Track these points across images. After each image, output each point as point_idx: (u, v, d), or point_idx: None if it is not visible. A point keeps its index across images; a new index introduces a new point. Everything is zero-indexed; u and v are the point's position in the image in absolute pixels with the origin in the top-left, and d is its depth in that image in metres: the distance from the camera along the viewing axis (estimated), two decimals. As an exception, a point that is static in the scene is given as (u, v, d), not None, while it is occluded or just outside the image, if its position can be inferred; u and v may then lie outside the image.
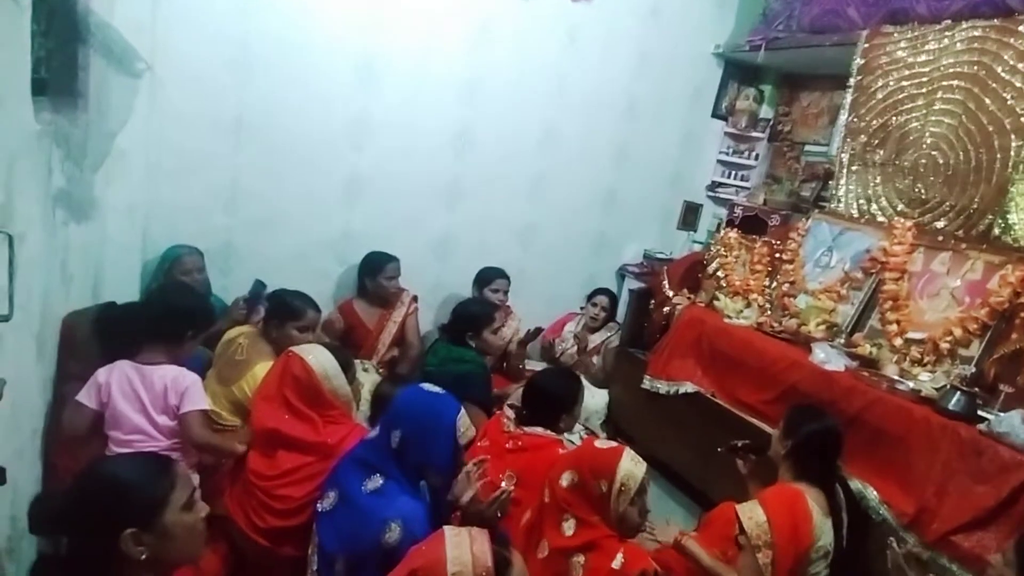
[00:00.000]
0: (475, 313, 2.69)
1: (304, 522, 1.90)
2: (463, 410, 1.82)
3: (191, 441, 2.00)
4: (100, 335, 2.04)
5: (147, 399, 1.94)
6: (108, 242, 2.40)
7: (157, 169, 2.66)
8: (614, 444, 1.82)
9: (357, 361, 2.79)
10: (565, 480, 1.71)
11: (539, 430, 2.14)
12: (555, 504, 1.71)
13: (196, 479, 1.87)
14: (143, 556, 1.11)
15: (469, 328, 2.62)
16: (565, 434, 3.15)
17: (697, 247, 4.00)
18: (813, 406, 2.14)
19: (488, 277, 3.36)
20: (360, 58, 3.03)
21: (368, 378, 2.65)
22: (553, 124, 3.57)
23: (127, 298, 2.47)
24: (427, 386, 1.88)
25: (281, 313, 2.40)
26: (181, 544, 1.18)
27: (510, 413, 2.21)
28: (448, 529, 1.38)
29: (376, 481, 1.71)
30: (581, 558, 1.61)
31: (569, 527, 1.66)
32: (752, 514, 1.87)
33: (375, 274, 3.07)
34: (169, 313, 2.07)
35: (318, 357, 2.01)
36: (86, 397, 1.92)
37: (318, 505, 1.81)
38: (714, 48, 3.88)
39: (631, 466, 1.67)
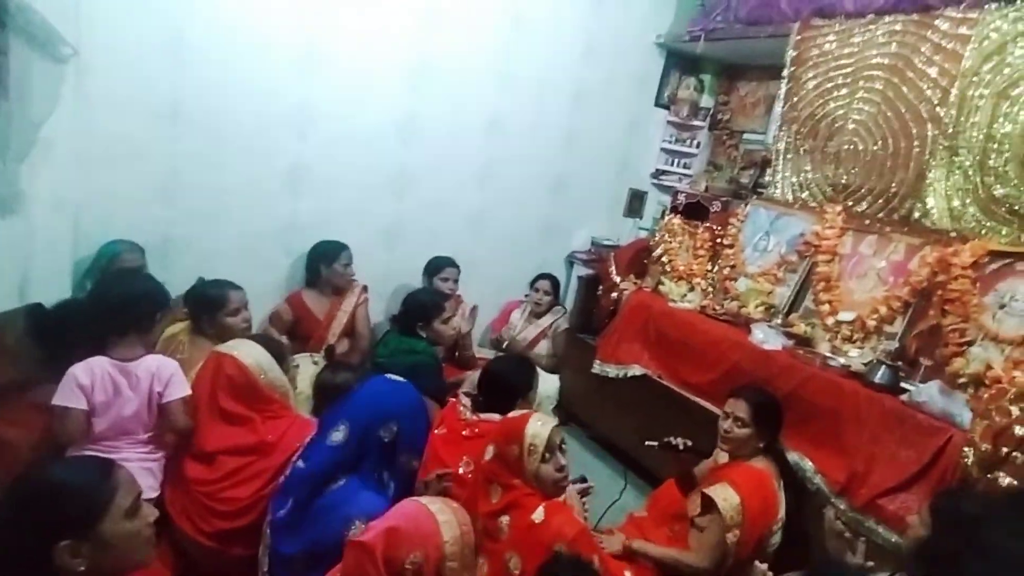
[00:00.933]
0: (425, 303, 2.69)
1: (252, 521, 1.87)
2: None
3: (175, 428, 1.94)
4: (42, 336, 1.94)
5: (135, 396, 1.86)
6: (35, 238, 2.27)
7: (87, 159, 2.52)
8: (524, 412, 1.88)
9: (307, 354, 2.78)
10: (488, 453, 1.78)
11: (495, 417, 2.17)
12: (483, 477, 1.79)
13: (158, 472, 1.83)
14: (81, 568, 1.04)
15: (419, 318, 2.62)
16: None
17: (643, 233, 4.10)
18: (762, 389, 2.24)
19: (437, 266, 3.36)
20: (302, 43, 2.95)
21: (316, 371, 2.61)
22: (500, 111, 3.58)
23: (57, 296, 2.36)
24: (392, 377, 1.89)
25: (205, 308, 2.33)
26: (123, 554, 1.11)
27: (466, 401, 2.23)
28: (427, 500, 1.47)
29: (339, 482, 1.71)
30: (506, 518, 1.68)
31: (495, 494, 1.73)
32: (726, 495, 1.96)
33: (330, 262, 3.03)
34: (133, 301, 1.98)
35: (250, 352, 1.98)
36: (71, 399, 1.79)
37: (273, 513, 1.79)
38: (656, 38, 3.96)
39: (537, 427, 1.74)
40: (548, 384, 3.42)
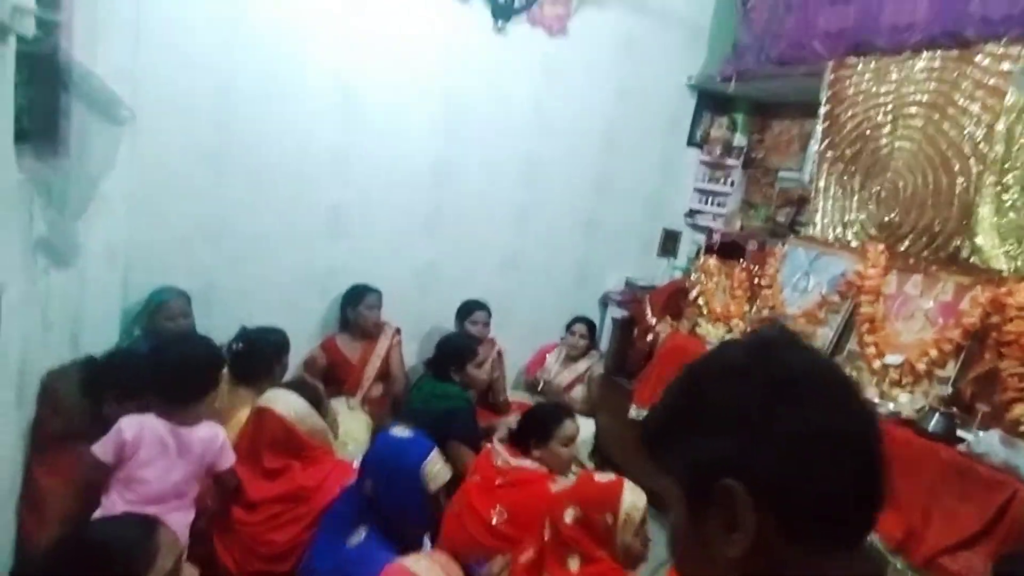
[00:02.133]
0: (458, 347, 2.69)
1: (290, 568, 1.88)
2: (434, 454, 1.81)
3: (224, 491, 1.98)
4: (93, 388, 1.99)
5: (185, 463, 1.87)
6: (87, 288, 2.36)
7: (137, 209, 2.65)
8: (613, 476, 1.82)
9: (342, 398, 2.79)
10: (569, 516, 1.70)
11: (528, 463, 2.14)
12: (559, 542, 1.70)
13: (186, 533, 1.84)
14: None
15: (452, 363, 2.63)
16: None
17: (678, 274, 4.06)
18: None
19: (467, 309, 3.38)
20: (342, 92, 3.07)
21: (353, 416, 2.63)
22: (533, 154, 3.63)
23: (106, 344, 2.44)
24: (397, 430, 1.86)
25: (271, 354, 2.38)
26: None
27: (499, 447, 2.20)
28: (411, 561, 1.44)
29: (360, 535, 1.70)
30: None
31: (574, 563, 1.65)
32: None
33: (355, 303, 3.08)
34: (195, 369, 1.97)
35: (287, 403, 2.00)
36: (104, 451, 1.80)
37: (309, 563, 1.79)
38: (687, 79, 3.99)
39: (634, 497, 1.68)
40: (584, 429, 3.36)
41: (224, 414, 2.25)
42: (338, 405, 2.73)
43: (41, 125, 1.73)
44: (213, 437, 1.93)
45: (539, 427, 2.23)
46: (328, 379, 3.06)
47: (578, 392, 3.54)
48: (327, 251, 3.17)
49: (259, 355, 2.39)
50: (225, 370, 2.40)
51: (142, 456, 1.82)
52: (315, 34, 2.95)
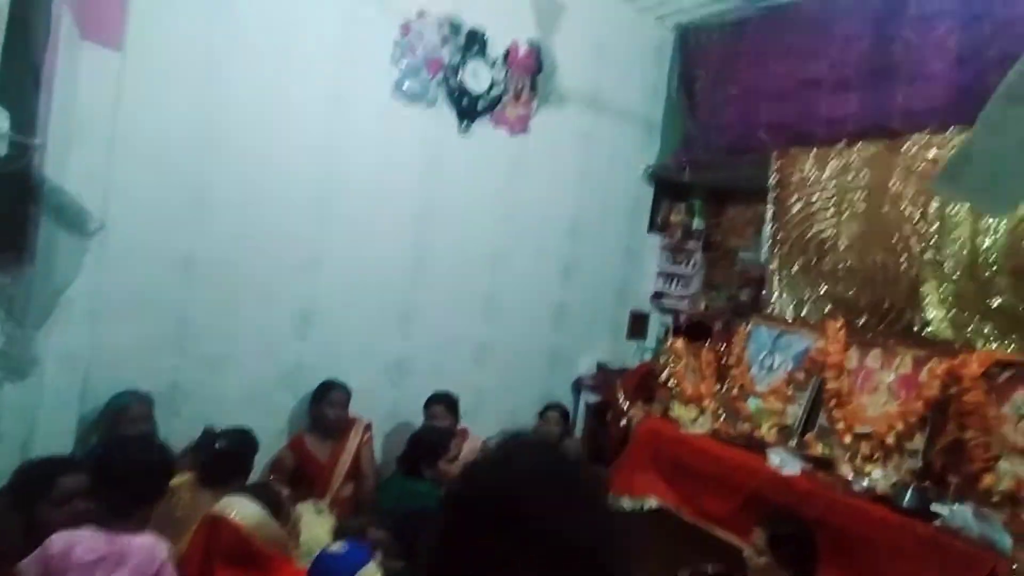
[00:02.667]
0: (430, 443, 2.63)
1: None
2: (368, 566, 1.83)
3: None
4: (23, 496, 1.87)
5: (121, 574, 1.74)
6: (44, 396, 2.30)
7: (100, 315, 2.60)
8: None
9: (310, 502, 2.68)
10: None
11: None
12: None
13: None
14: None
15: (424, 459, 2.56)
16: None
17: (648, 355, 4.11)
18: (785, 513, 2.14)
19: (427, 404, 3.31)
20: (315, 195, 3.13)
21: (320, 520, 2.51)
22: (501, 247, 3.73)
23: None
24: (333, 547, 1.88)
25: (227, 461, 2.27)
26: None
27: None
28: None
29: None
30: None
31: None
32: None
33: (320, 401, 3.03)
34: (138, 475, 1.86)
35: (243, 510, 1.88)
36: (28, 570, 1.67)
37: None
38: (644, 169, 4.21)
39: None
40: (563, 519, 3.27)
41: (186, 521, 2.13)
42: (304, 509, 2.60)
43: (8, 238, 1.74)
44: (152, 549, 1.81)
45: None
46: (297, 480, 2.94)
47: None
48: (296, 349, 3.13)
49: (225, 458, 2.30)
50: (189, 475, 2.32)
51: (73, 570, 1.70)
52: (289, 140, 3.04)
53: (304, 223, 3.11)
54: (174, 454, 2.31)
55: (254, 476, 2.79)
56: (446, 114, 3.44)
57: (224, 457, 2.32)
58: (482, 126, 3.54)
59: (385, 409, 3.37)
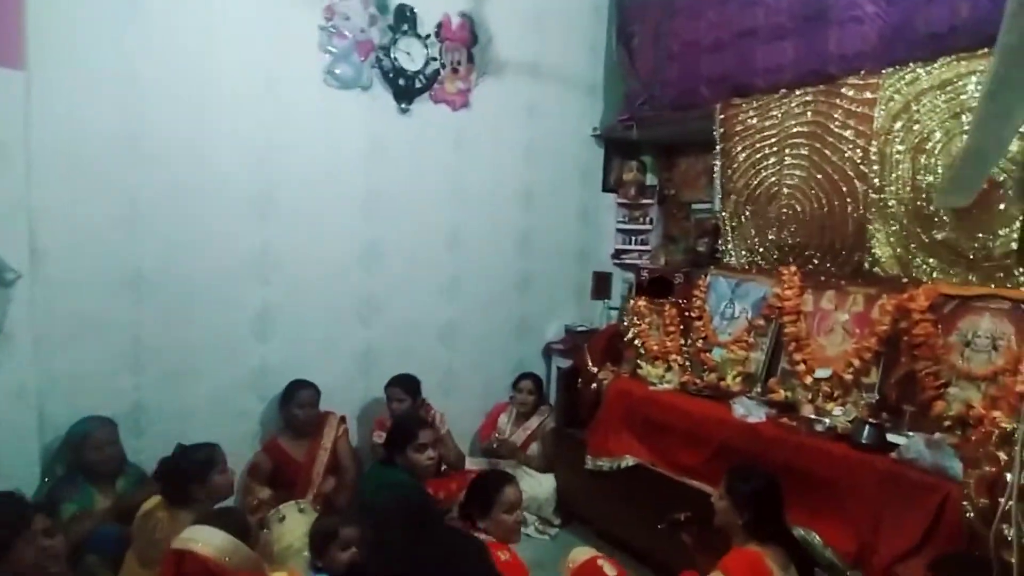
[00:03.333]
0: (396, 432, 2.64)
1: None
2: None
3: None
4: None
5: None
6: (1, 432, 2.23)
7: (47, 342, 2.51)
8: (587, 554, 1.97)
9: (292, 503, 2.69)
10: None
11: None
12: None
13: None
14: None
15: (395, 448, 2.57)
16: (524, 528, 3.14)
17: (614, 313, 4.16)
18: (747, 465, 2.22)
19: (385, 388, 3.30)
20: (256, 191, 3.03)
21: (305, 519, 2.52)
22: (456, 224, 3.69)
23: (26, 487, 2.29)
24: None
25: (195, 472, 2.23)
26: None
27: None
28: None
29: None
30: None
31: None
32: None
33: (288, 403, 3.01)
34: None
35: (209, 540, 1.83)
36: None
37: None
38: (592, 130, 4.17)
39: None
40: (545, 486, 3.35)
41: (165, 544, 2.11)
42: (287, 510, 2.61)
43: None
44: None
45: (480, 498, 2.21)
46: (276, 482, 2.95)
47: (534, 450, 3.53)
48: (258, 353, 3.09)
49: (182, 476, 2.25)
50: (157, 499, 2.28)
51: None
52: (221, 140, 2.92)
53: (248, 222, 3.03)
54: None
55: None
56: (383, 96, 3.34)
57: (171, 477, 2.28)
58: (422, 104, 3.46)
59: (357, 399, 3.38)
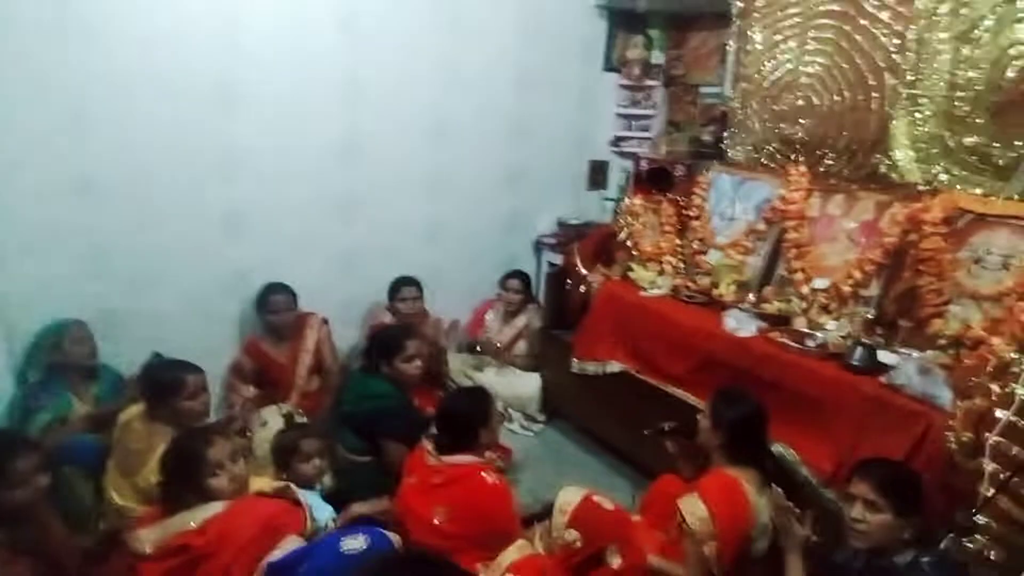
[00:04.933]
0: (383, 342, 2.58)
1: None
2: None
3: None
4: None
5: None
6: (-37, 343, 2.16)
7: (4, 254, 2.38)
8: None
9: (274, 407, 2.69)
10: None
11: (459, 458, 2.10)
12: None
13: None
14: None
15: (380, 358, 2.52)
16: (509, 425, 3.20)
17: (609, 204, 3.96)
18: (734, 390, 2.16)
19: (393, 288, 3.24)
20: (216, 78, 2.72)
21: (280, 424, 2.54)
22: (443, 111, 3.39)
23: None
24: (348, 543, 1.60)
25: (160, 393, 2.18)
26: None
27: (429, 445, 2.16)
28: None
29: None
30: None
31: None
32: (694, 509, 1.90)
33: (261, 309, 2.94)
34: None
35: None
36: None
37: None
38: (595, 0, 3.71)
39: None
40: (530, 384, 3.36)
41: (143, 453, 2.12)
42: (269, 414, 2.63)
43: None
44: None
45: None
46: (260, 382, 2.94)
47: (520, 348, 3.51)
48: (231, 254, 2.93)
49: (150, 397, 2.21)
50: (139, 406, 2.26)
51: None
52: (174, 19, 2.57)
53: (209, 113, 2.75)
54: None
55: (214, 383, 2.77)
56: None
57: (143, 392, 2.24)
58: (402, -25, 3.02)
59: (339, 300, 3.28)
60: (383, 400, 2.45)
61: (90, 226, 2.56)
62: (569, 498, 1.94)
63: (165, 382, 2.17)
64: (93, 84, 2.47)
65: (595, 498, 1.97)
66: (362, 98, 3.11)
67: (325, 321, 3.10)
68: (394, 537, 1.74)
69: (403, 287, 3.22)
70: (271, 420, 2.60)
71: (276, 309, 2.92)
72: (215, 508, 1.72)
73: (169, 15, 2.56)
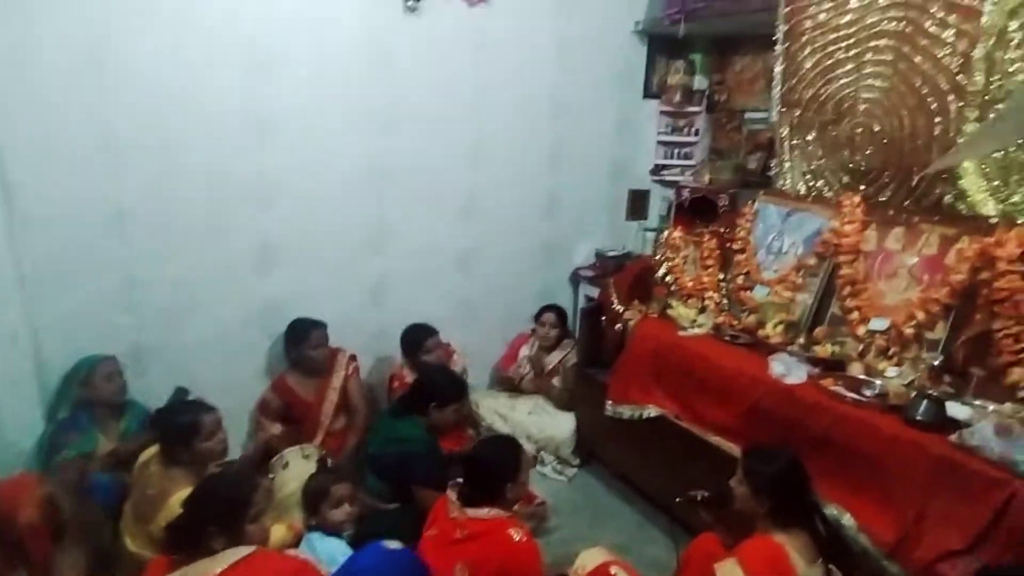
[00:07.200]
0: (434, 389, 2.48)
1: None
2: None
3: None
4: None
5: None
6: (-1, 378, 2.18)
7: (35, 284, 2.41)
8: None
9: (297, 448, 2.62)
10: None
11: (484, 512, 1.98)
12: None
13: None
14: None
15: (428, 402, 2.43)
16: (541, 468, 3.06)
17: (650, 235, 3.80)
18: (763, 445, 1.98)
19: (416, 342, 3.08)
20: (248, 110, 2.73)
21: (309, 466, 2.46)
22: (478, 136, 3.32)
23: (28, 433, 2.26)
24: (390, 545, 1.66)
25: (178, 438, 2.12)
26: None
27: (453, 496, 2.04)
28: None
29: None
30: None
31: None
32: (732, 574, 1.73)
33: (299, 344, 2.88)
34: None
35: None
36: None
37: None
38: (634, 26, 3.61)
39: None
40: (564, 425, 3.21)
41: (159, 498, 2.07)
42: (292, 456, 2.56)
43: None
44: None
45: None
46: (285, 419, 2.89)
47: (554, 385, 3.37)
48: (261, 286, 2.92)
49: (167, 438, 2.15)
50: (156, 449, 2.22)
51: None
52: (206, 53, 2.58)
53: (241, 148, 2.76)
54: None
55: (241, 418, 2.73)
56: (383, -8, 2.89)
57: (160, 433, 2.19)
58: (430, 1, 2.98)
59: (370, 333, 3.22)
60: (412, 444, 2.36)
61: (123, 258, 2.59)
62: (586, 562, 1.81)
63: (181, 426, 2.13)
64: (126, 116, 2.50)
65: (613, 568, 1.82)
66: (395, 127, 3.07)
67: (353, 358, 3.04)
68: None
69: (426, 339, 3.09)
70: (292, 461, 2.53)
71: (317, 343, 2.87)
72: (242, 552, 1.62)
73: (202, 47, 2.58)
